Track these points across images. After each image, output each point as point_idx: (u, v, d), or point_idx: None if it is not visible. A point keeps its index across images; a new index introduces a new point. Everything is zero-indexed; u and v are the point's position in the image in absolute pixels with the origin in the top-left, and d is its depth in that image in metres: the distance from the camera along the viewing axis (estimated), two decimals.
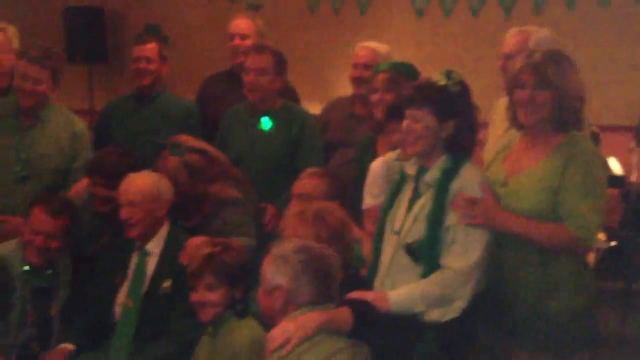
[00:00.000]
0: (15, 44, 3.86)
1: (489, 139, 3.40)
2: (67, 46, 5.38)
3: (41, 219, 3.09)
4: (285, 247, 2.40)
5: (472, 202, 2.50)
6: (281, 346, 2.25)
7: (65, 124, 3.63)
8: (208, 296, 2.73)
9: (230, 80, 4.05)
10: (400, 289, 2.53)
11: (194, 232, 3.25)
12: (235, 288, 2.75)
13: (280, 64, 3.71)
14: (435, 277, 2.50)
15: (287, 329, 2.27)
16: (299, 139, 3.73)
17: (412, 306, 2.49)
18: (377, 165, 3.18)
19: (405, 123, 2.61)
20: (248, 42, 4.07)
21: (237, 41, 4.09)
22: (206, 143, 3.47)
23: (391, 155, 3.17)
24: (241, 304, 2.75)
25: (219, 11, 5.29)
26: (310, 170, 3.28)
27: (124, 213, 3.07)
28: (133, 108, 3.99)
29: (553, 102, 2.55)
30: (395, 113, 3.02)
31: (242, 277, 2.78)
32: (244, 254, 2.82)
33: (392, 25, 4.75)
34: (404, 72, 3.34)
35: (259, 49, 3.74)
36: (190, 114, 4.02)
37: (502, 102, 3.33)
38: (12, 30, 3.88)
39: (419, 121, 2.56)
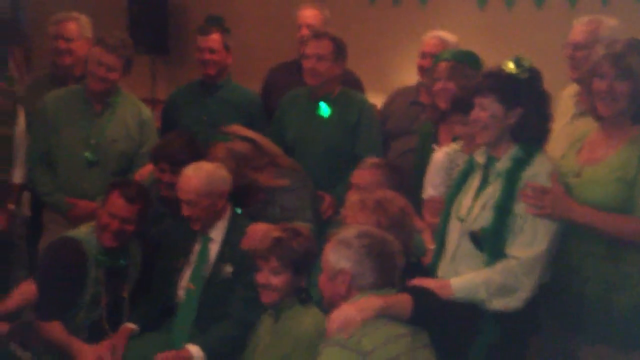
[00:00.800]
0: (89, 33, 3.95)
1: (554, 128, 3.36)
2: (130, 36, 5.48)
3: (118, 203, 3.15)
4: (347, 232, 2.42)
5: (542, 191, 2.49)
6: (341, 329, 2.26)
7: (133, 110, 3.72)
8: (272, 279, 2.76)
9: (297, 70, 4.05)
10: (463, 276, 2.53)
11: (253, 218, 3.29)
12: (300, 275, 2.77)
13: (339, 50, 3.68)
14: (499, 265, 2.49)
15: (347, 312, 2.27)
16: (356, 126, 3.71)
17: (475, 294, 2.49)
18: (439, 156, 3.17)
19: (473, 112, 2.60)
20: None
21: (304, 31, 4.09)
22: (255, 133, 3.50)
23: (454, 146, 3.16)
24: (305, 291, 2.78)
25: (279, 2, 5.32)
26: (369, 160, 3.27)
27: (185, 210, 3.12)
28: (198, 96, 4.04)
29: (632, 93, 2.51)
30: (459, 104, 3.02)
31: (307, 264, 2.80)
32: (311, 241, 2.83)
33: (453, 16, 4.68)
34: (466, 60, 3.31)
35: (318, 35, 3.72)
36: (254, 103, 4.06)
37: (567, 91, 3.30)
38: (84, 19, 3.98)
39: (485, 109, 2.56)
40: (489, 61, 3.10)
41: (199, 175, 3.13)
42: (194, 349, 2.98)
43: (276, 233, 2.80)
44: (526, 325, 2.57)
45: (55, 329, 3.09)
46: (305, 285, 2.82)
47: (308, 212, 3.35)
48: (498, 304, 2.49)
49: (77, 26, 3.92)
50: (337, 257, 2.38)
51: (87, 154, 3.58)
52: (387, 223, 2.62)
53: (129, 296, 3.28)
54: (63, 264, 3.14)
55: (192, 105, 4.02)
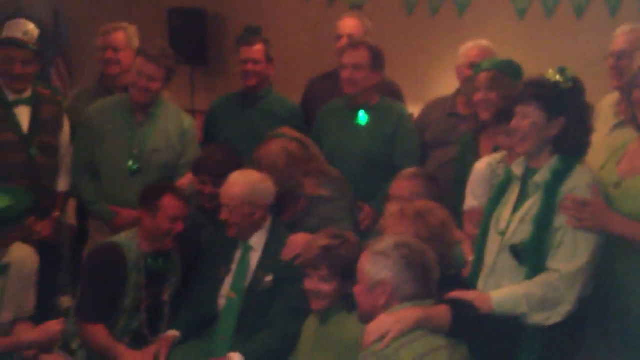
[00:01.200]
0: (136, 43, 4.02)
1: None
2: (170, 47, 5.57)
3: (175, 205, 3.22)
4: (385, 243, 2.41)
5: (582, 204, 2.46)
6: (378, 340, 2.25)
7: (175, 120, 3.75)
8: (322, 287, 2.78)
9: (336, 81, 4.03)
10: (503, 290, 2.51)
11: (291, 228, 3.31)
12: (348, 281, 2.77)
13: (376, 59, 3.68)
14: (540, 279, 2.47)
15: (384, 323, 2.26)
16: (394, 135, 3.71)
17: (515, 307, 2.46)
18: (481, 167, 3.16)
19: (514, 121, 2.58)
20: None
21: (344, 41, 4.02)
22: (307, 138, 3.52)
23: (495, 156, 3.15)
24: (351, 297, 2.80)
25: (318, 13, 5.35)
26: (407, 171, 3.27)
27: (223, 214, 3.17)
28: (239, 108, 4.07)
29: None
30: (501, 115, 3.01)
31: (355, 270, 2.81)
32: (358, 247, 2.83)
33: (492, 26, 4.67)
34: (508, 70, 3.30)
35: (355, 44, 3.72)
36: (295, 114, 4.08)
37: (607, 101, 3.28)
38: (132, 29, 4.05)
39: (526, 117, 2.53)
40: (529, 72, 3.10)
41: (244, 183, 3.17)
42: (236, 357, 3.01)
43: (324, 241, 2.81)
44: (569, 339, 2.54)
45: (100, 333, 3.16)
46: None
47: (347, 223, 3.35)
48: (539, 317, 2.47)
49: (125, 36, 4.00)
50: (376, 268, 2.36)
51: (129, 163, 3.63)
52: (426, 234, 2.61)
53: (169, 300, 3.32)
54: (105, 268, 3.21)
55: (233, 116, 4.06)
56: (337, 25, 4.20)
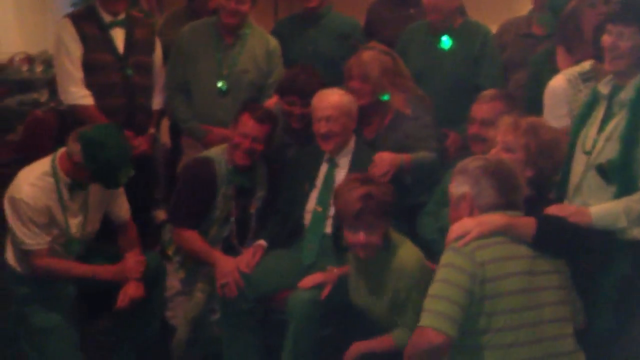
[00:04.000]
0: None
1: None
2: None
3: (249, 124, 3.36)
4: (463, 162, 2.48)
5: None
6: (458, 237, 2.31)
7: (261, 42, 3.85)
8: (370, 238, 2.78)
9: (401, 3, 4.05)
10: (602, 205, 2.52)
11: (375, 145, 3.40)
12: (389, 220, 2.81)
13: None
14: (639, 194, 2.48)
15: (467, 224, 2.33)
16: (480, 56, 3.70)
17: (615, 221, 2.48)
18: (559, 85, 3.00)
19: (608, 40, 2.55)
20: None
21: None
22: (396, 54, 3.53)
23: (573, 71, 3.01)
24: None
25: None
26: (487, 93, 3.26)
27: (323, 127, 3.28)
28: (302, 28, 4.07)
29: None
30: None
31: (393, 210, 2.83)
32: (390, 187, 2.89)
33: None
34: None
35: None
36: (356, 30, 4.08)
37: None
38: None
39: (625, 39, 2.51)
40: None
41: (335, 94, 3.30)
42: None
43: (362, 190, 2.78)
44: None
45: (194, 237, 3.35)
46: None
47: (432, 142, 3.40)
48: (637, 232, 2.48)
49: None
50: (456, 185, 2.44)
51: (220, 83, 3.76)
52: (536, 148, 2.63)
53: (256, 213, 3.49)
54: (197, 179, 3.38)
55: (297, 37, 4.06)
56: None
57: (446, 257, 2.31)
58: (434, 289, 2.27)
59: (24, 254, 3.12)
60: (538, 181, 2.69)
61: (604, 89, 2.66)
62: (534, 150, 2.60)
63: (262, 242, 3.37)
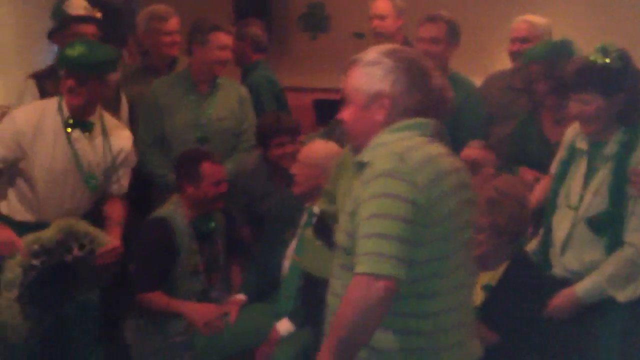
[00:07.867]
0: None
1: None
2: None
3: (215, 169, 3.34)
4: (372, 52, 1.96)
5: None
6: None
7: (233, 89, 3.94)
8: None
9: None
10: (584, 282, 2.57)
11: None
12: None
13: (453, 33, 3.73)
14: (617, 258, 2.53)
15: None
16: (462, 108, 3.62)
17: (602, 293, 2.54)
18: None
19: (574, 107, 2.61)
20: (386, 24, 4.20)
21: (375, 22, 4.23)
22: None
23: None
24: None
25: None
26: (476, 142, 3.38)
27: (293, 168, 3.29)
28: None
29: None
30: (557, 92, 3.04)
31: None
32: None
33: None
34: (559, 57, 3.17)
35: (432, 18, 3.74)
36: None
37: None
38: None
39: (587, 104, 2.56)
40: (587, 44, 3.03)
41: (321, 148, 3.28)
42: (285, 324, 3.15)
43: None
44: None
45: (158, 296, 3.25)
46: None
47: None
48: (628, 293, 2.53)
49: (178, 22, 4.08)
50: (368, 80, 1.91)
51: (198, 133, 3.76)
52: (504, 221, 2.58)
53: (224, 250, 3.45)
54: (153, 242, 3.27)
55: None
56: (370, 6, 4.30)
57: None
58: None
59: None
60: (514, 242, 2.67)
61: (582, 145, 2.70)
62: (503, 224, 2.57)
63: (240, 297, 3.34)
